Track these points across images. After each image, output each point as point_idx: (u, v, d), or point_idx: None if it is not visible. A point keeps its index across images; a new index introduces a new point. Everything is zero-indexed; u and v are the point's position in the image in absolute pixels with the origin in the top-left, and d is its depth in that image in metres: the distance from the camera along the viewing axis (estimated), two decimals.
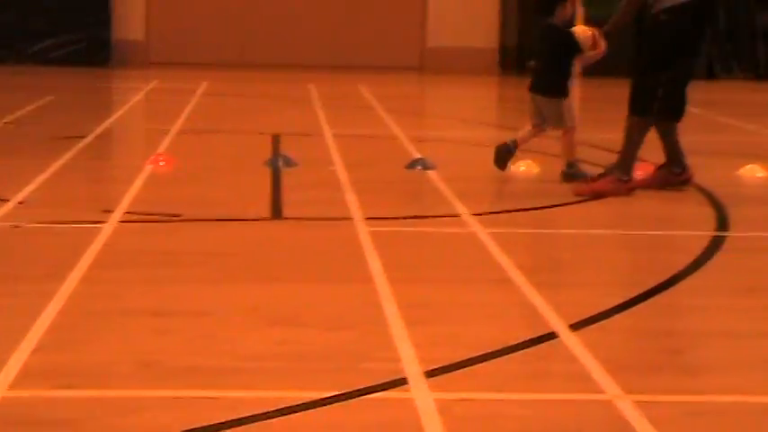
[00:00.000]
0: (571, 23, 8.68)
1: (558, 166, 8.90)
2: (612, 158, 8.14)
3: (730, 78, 18.79)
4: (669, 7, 7.79)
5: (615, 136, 9.02)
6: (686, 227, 6.88)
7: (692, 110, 13.66)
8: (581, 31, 8.42)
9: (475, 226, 6.66)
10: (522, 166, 8.74)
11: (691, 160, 9.35)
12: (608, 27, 8.21)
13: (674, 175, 8.08)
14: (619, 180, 7.84)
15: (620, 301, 5.09)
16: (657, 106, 7.85)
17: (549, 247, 6.31)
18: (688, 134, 11.53)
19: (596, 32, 8.26)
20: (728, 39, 19.08)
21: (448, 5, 19.15)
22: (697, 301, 5.24)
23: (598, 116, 13.83)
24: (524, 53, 19.22)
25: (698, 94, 16.00)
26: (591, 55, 8.34)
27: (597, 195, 7.72)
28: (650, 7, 7.88)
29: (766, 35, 19.36)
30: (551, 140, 10.47)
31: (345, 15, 19.16)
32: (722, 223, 6.98)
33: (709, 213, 7.26)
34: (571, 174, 8.33)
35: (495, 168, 8.31)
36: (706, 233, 6.63)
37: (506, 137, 8.61)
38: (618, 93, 8.49)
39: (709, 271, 5.79)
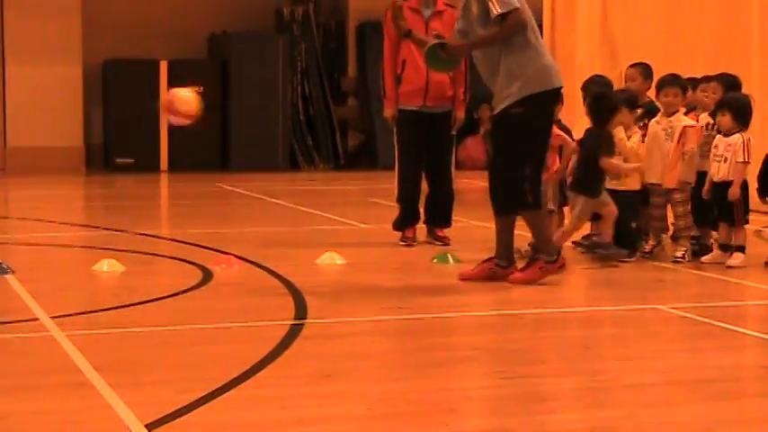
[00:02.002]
0: None
1: (142, 264, 8.95)
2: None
3: (312, 169, 19.43)
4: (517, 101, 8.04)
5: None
6: (265, 317, 7.00)
7: (275, 201, 14.14)
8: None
9: (53, 329, 6.53)
10: (105, 265, 8.67)
11: (273, 251, 9.63)
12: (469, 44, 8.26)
13: (500, 268, 8.29)
14: (547, 263, 8.14)
15: (198, 396, 5.11)
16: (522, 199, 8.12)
17: (128, 347, 6.25)
18: (272, 225, 11.89)
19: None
20: (309, 131, 19.75)
21: (28, 104, 18.81)
22: (274, 391, 5.33)
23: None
24: (111, 150, 19.17)
25: (280, 185, 16.56)
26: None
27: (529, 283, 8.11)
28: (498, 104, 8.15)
29: (344, 128, 20.19)
30: (133, 237, 10.46)
31: None
32: (300, 311, 7.17)
33: (287, 302, 7.44)
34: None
35: (76, 268, 8.15)
36: (284, 322, 6.78)
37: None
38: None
39: (287, 360, 5.92)
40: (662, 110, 9.34)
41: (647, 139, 9.36)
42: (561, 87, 8.22)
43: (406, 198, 10.17)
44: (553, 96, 8.18)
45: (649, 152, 9.29)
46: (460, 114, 10.20)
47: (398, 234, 10.20)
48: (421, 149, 10.11)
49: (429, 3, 10.12)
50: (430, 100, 10.03)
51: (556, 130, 9.32)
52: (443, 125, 10.15)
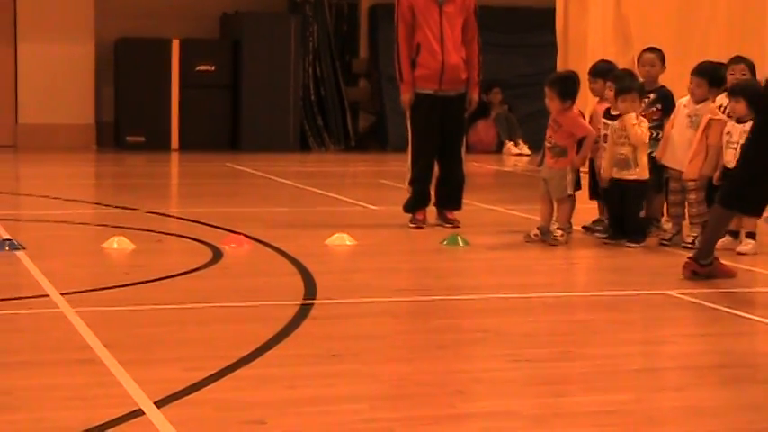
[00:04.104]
0: None
1: (152, 242, 8.97)
2: None
3: (323, 150, 19.41)
4: None
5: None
6: (275, 297, 7.00)
7: (285, 182, 14.13)
8: None
9: (63, 306, 6.54)
10: (115, 243, 8.68)
11: (283, 231, 9.64)
12: None
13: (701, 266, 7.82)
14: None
15: (207, 374, 5.12)
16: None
17: (137, 324, 6.26)
18: (281, 205, 11.89)
19: None
20: (320, 112, 19.73)
21: (39, 80, 18.79)
22: (283, 370, 5.34)
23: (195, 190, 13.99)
24: (122, 129, 19.16)
25: (291, 166, 16.55)
26: None
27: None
28: None
29: (354, 110, 20.16)
30: (143, 215, 10.47)
31: None
32: (309, 291, 7.17)
33: (297, 282, 7.44)
34: None
35: (87, 246, 8.15)
36: (294, 302, 6.79)
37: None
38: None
39: (296, 339, 5.93)
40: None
41: (670, 120, 9.29)
42: None
43: (419, 181, 10.15)
44: None
45: (669, 135, 9.22)
46: (475, 96, 10.19)
47: (408, 216, 10.18)
48: (435, 133, 10.09)
49: None
50: (445, 84, 10.00)
51: (581, 120, 9.37)
52: (457, 108, 10.12)
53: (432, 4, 9.98)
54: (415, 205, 10.19)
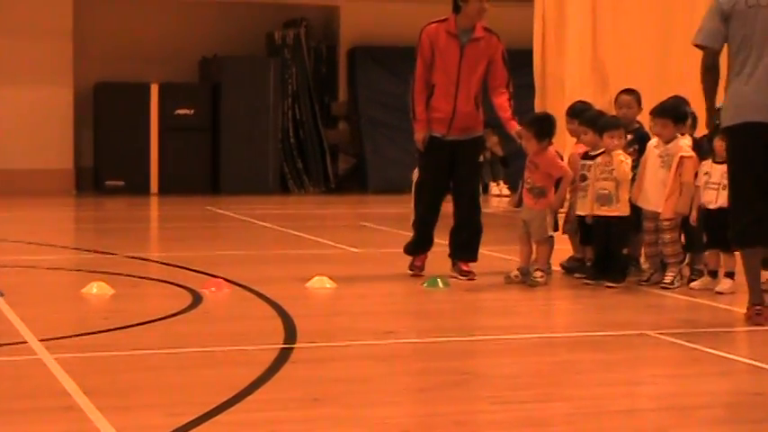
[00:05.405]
0: None
1: (132, 287, 8.93)
2: None
3: (302, 193, 19.42)
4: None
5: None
6: (255, 340, 6.98)
7: (265, 224, 14.12)
8: None
9: (42, 352, 6.50)
10: (94, 288, 8.64)
11: (263, 274, 9.62)
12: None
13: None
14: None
15: (187, 420, 5.09)
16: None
17: (117, 370, 6.22)
18: (262, 248, 11.88)
19: None
20: (300, 155, 19.76)
21: (18, 126, 18.78)
22: (264, 415, 5.31)
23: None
24: (101, 173, 19.14)
25: (271, 209, 16.55)
26: None
27: None
28: None
29: (334, 152, 20.20)
30: (122, 260, 10.43)
31: None
32: (290, 335, 7.15)
33: (277, 326, 7.42)
34: None
35: (65, 291, 8.10)
36: (274, 346, 6.76)
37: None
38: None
39: (277, 384, 5.91)
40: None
41: (642, 161, 9.35)
42: (738, 125, 7.75)
43: (422, 222, 9.74)
44: (727, 134, 7.94)
45: (643, 177, 9.28)
46: (515, 126, 9.54)
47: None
48: (442, 176, 9.68)
49: (467, 29, 9.57)
50: (454, 130, 9.57)
51: (558, 160, 9.40)
52: (467, 152, 9.68)
53: (453, 45, 9.54)
54: (416, 248, 9.80)
